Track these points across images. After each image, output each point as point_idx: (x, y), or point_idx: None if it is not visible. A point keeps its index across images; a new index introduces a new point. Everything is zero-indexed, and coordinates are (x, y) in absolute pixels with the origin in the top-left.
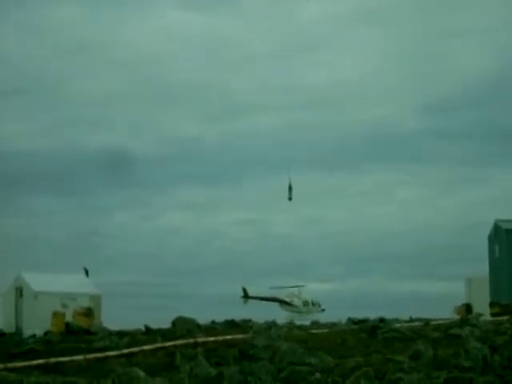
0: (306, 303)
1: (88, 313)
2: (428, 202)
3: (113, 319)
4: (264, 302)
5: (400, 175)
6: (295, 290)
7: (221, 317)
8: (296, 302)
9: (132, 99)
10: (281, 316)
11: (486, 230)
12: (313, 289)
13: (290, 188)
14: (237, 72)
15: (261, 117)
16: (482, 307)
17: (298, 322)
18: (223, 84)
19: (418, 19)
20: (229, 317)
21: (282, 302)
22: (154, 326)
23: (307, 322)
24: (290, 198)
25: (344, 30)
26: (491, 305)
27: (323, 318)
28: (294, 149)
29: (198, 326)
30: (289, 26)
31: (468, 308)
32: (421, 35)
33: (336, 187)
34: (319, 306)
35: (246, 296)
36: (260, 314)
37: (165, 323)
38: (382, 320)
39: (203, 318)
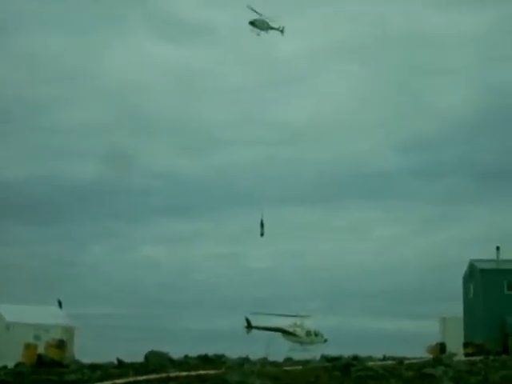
0: (308, 333)
1: (60, 345)
2: (404, 240)
3: (85, 351)
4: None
5: (377, 212)
6: (298, 320)
7: (194, 351)
8: (299, 332)
9: (111, 129)
10: (255, 354)
11: (461, 269)
12: (286, 324)
13: (262, 224)
14: (214, 105)
15: (238, 151)
16: (456, 347)
17: (300, 353)
18: (201, 117)
19: (397, 57)
20: (202, 351)
21: (285, 332)
22: (126, 359)
23: (309, 354)
24: (262, 234)
25: (322, 66)
26: (465, 345)
27: (296, 354)
28: (272, 184)
29: (171, 360)
30: (266, 61)
31: (442, 347)
32: (399, 73)
33: (313, 223)
34: (322, 336)
35: (249, 326)
36: (233, 349)
37: (138, 357)
38: (355, 358)
39: (176, 353)
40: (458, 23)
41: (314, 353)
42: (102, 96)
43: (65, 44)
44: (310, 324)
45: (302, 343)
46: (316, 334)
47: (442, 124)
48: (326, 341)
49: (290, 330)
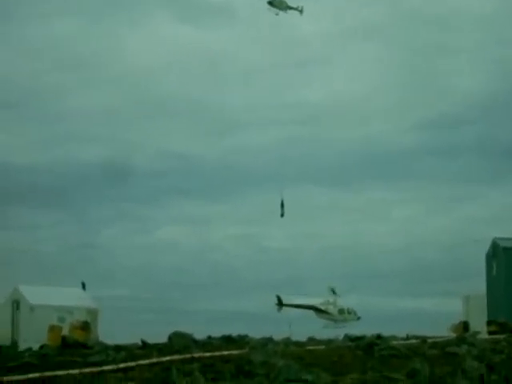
0: (341, 311)
1: (85, 326)
2: (424, 220)
3: (109, 333)
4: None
5: (395, 193)
6: (331, 297)
7: (217, 332)
8: (331, 310)
9: (127, 114)
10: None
11: (484, 248)
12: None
13: (283, 204)
14: (233, 87)
15: (256, 132)
16: (480, 325)
17: (333, 331)
18: (220, 98)
19: (415, 37)
20: (226, 332)
21: (318, 310)
22: (150, 340)
23: (342, 332)
24: (282, 215)
25: (340, 46)
26: (488, 323)
27: (319, 334)
28: (289, 165)
29: (195, 341)
30: (285, 42)
31: (465, 326)
32: (416, 53)
33: (331, 204)
34: (355, 314)
35: (280, 304)
36: (256, 329)
37: (161, 338)
38: (378, 337)
39: (200, 333)
40: (473, 2)
41: (347, 330)
42: (120, 80)
43: (81, 29)
44: (342, 302)
45: (334, 321)
46: (349, 312)
47: (459, 103)
48: (359, 318)
49: (323, 307)
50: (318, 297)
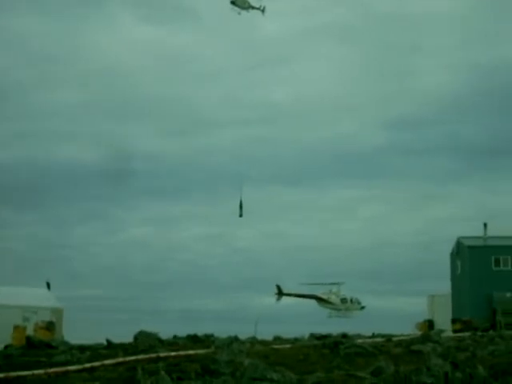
0: (344, 300)
1: (49, 326)
2: (391, 219)
3: (74, 333)
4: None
5: (363, 191)
6: (333, 287)
7: (183, 331)
8: (333, 299)
9: (95, 112)
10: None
11: (449, 247)
12: (273, 303)
13: (241, 205)
14: (197, 86)
15: (222, 131)
16: (444, 323)
17: (336, 320)
18: (184, 97)
19: (381, 37)
20: (191, 331)
21: (319, 300)
22: (115, 340)
23: (347, 321)
24: (240, 215)
25: (305, 46)
26: (453, 321)
27: (285, 333)
28: (258, 164)
29: (160, 340)
30: (250, 42)
31: (430, 324)
32: (384, 53)
33: (300, 203)
34: (358, 303)
35: (280, 293)
36: (223, 328)
37: (127, 338)
38: (344, 336)
39: (166, 333)
40: (442, 2)
41: (352, 320)
42: (84, 78)
43: (43, 27)
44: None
45: (337, 310)
46: (352, 301)
47: (428, 103)
48: (363, 308)
49: (324, 297)
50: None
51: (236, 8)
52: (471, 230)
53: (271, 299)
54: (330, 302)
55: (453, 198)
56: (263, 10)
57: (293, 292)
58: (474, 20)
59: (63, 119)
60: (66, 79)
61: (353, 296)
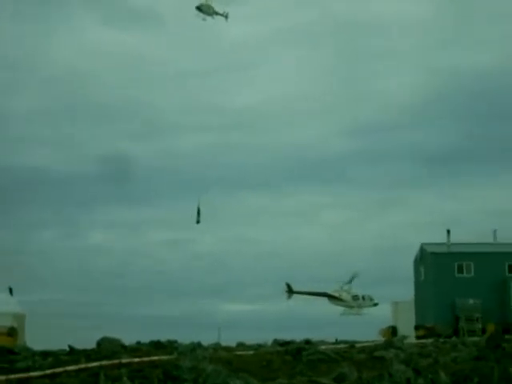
0: (355, 297)
1: (11, 332)
2: (353, 225)
3: (37, 339)
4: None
5: (325, 197)
6: (345, 284)
7: (147, 337)
8: (345, 296)
9: (58, 117)
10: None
11: (412, 253)
12: (238, 309)
13: (199, 211)
14: (162, 91)
15: (186, 136)
16: (408, 330)
17: (349, 317)
18: (148, 102)
19: (344, 41)
20: (155, 337)
21: (331, 297)
22: (78, 346)
23: (360, 318)
24: (197, 222)
25: (269, 51)
26: (416, 327)
27: (248, 339)
28: (221, 169)
29: (123, 346)
30: (215, 47)
31: (393, 330)
32: (346, 58)
33: (262, 208)
34: (371, 299)
35: (290, 291)
36: (186, 335)
37: (89, 343)
38: (307, 342)
39: (129, 339)
40: (405, 7)
41: (366, 317)
42: (47, 83)
43: (4, 31)
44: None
45: (350, 307)
46: (364, 298)
47: (389, 109)
48: (376, 305)
49: (336, 294)
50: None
51: (201, 14)
52: (433, 236)
53: (234, 305)
54: (341, 300)
55: (414, 203)
56: (226, 16)
57: (303, 290)
58: (437, 25)
59: (24, 124)
60: (29, 84)
61: (365, 293)
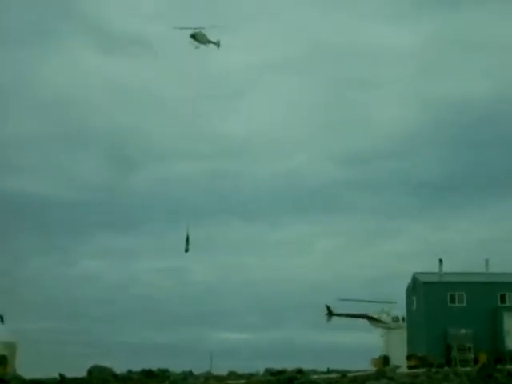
0: (395, 319)
1: (2, 361)
2: (346, 253)
3: (27, 367)
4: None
5: (316, 226)
6: (385, 306)
7: (138, 365)
8: (385, 318)
9: (49, 143)
10: (198, 368)
11: (404, 282)
12: (229, 338)
13: (188, 240)
14: (153, 118)
15: (176, 164)
16: (400, 359)
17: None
18: (139, 130)
19: (333, 70)
20: (146, 366)
21: (371, 319)
22: (69, 374)
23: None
24: (186, 250)
25: (259, 80)
26: (408, 357)
27: (241, 367)
28: (211, 198)
29: (115, 375)
30: (205, 75)
31: (385, 360)
32: (336, 86)
33: (255, 237)
34: None
35: (330, 313)
36: (178, 363)
37: (80, 372)
38: (299, 371)
39: (120, 367)
40: (394, 36)
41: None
42: (39, 110)
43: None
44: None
45: (389, 329)
46: (404, 320)
47: (379, 138)
48: None
49: (376, 316)
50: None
51: (195, 42)
52: (426, 265)
53: (226, 334)
54: (381, 321)
55: (407, 233)
56: (218, 45)
57: (344, 312)
58: (427, 54)
59: (15, 150)
60: (21, 110)
61: (404, 315)
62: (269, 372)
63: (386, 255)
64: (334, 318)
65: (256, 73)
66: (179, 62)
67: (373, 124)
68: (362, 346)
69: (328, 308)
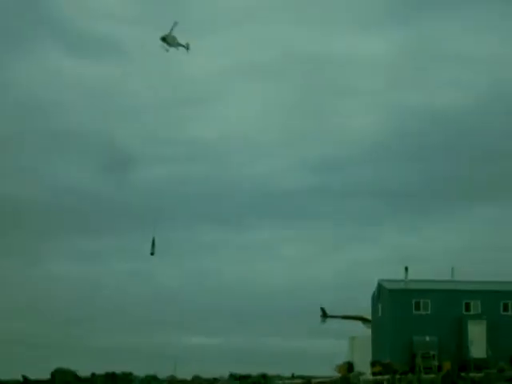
0: None
1: None
2: (313, 259)
3: None
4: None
5: (285, 232)
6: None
7: (102, 369)
8: None
9: (20, 146)
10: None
11: (370, 289)
12: (194, 342)
13: (153, 243)
14: (123, 122)
15: (147, 168)
16: (364, 366)
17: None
18: (110, 134)
19: (305, 78)
20: (110, 369)
21: (365, 321)
22: (32, 376)
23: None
24: (152, 253)
25: (230, 85)
26: (372, 364)
27: (204, 372)
28: (181, 202)
29: (78, 377)
30: (176, 79)
31: (350, 366)
32: (308, 94)
33: (222, 241)
34: None
35: (324, 315)
36: (142, 367)
37: (44, 374)
38: (263, 376)
39: (83, 370)
40: (367, 45)
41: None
42: (10, 113)
43: None
44: None
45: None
46: None
47: (351, 145)
48: None
49: (370, 317)
50: None
51: (165, 45)
52: (392, 272)
53: (191, 338)
54: None
55: (374, 239)
56: (188, 48)
57: (338, 314)
58: (400, 63)
59: None
60: None
61: None
62: (233, 377)
63: (354, 262)
64: (329, 320)
65: (229, 77)
66: (150, 64)
67: (344, 131)
68: (327, 351)
69: (323, 310)
